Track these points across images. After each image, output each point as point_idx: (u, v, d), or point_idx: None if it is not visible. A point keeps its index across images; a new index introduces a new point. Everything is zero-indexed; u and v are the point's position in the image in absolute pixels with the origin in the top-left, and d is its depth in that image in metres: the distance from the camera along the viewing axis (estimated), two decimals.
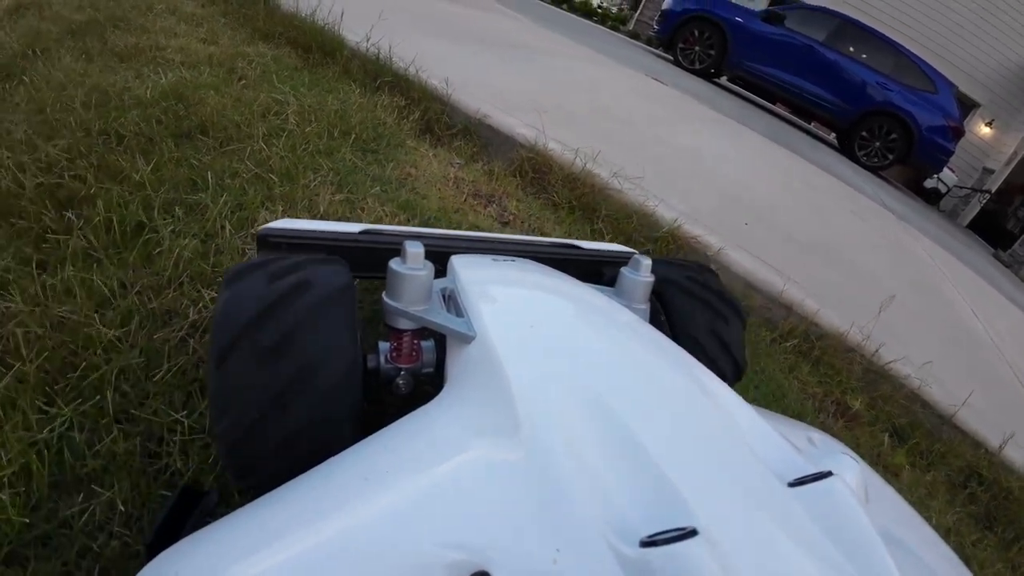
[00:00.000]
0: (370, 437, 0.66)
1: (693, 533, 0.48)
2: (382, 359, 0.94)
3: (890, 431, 2.21)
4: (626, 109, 4.07)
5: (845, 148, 9.66)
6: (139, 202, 1.56)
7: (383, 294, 0.89)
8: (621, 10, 20.46)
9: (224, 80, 2.33)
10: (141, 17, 2.86)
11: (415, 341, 0.95)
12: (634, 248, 1.43)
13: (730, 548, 0.49)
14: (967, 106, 13.95)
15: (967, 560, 1.74)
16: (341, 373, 0.77)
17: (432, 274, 0.88)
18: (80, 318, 1.23)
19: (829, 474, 0.62)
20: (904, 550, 0.68)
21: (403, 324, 0.91)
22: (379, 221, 1.80)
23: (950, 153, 9.48)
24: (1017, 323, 4.68)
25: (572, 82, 4.34)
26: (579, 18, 15.30)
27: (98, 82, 2.08)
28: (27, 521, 0.91)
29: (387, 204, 1.89)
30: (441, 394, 0.74)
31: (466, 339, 0.79)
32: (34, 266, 1.32)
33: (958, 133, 9.43)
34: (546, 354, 0.75)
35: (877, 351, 2.39)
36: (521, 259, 1.10)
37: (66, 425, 1.04)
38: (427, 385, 0.97)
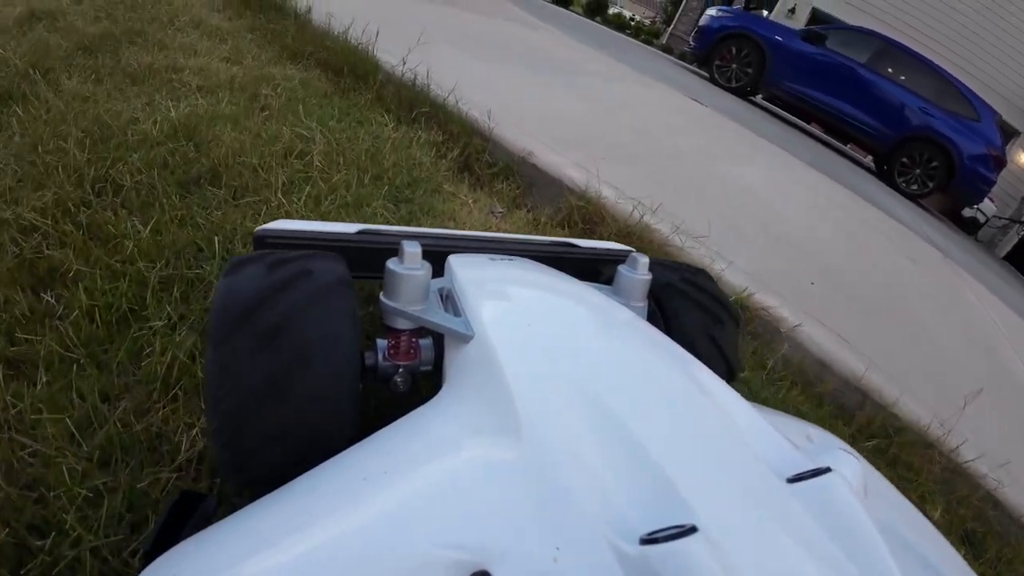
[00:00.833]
0: (369, 437, 0.64)
1: (693, 530, 0.47)
2: (380, 357, 0.91)
3: (963, 537, 1.89)
4: (673, 138, 3.75)
5: (884, 173, 9.24)
6: (131, 279, 1.29)
7: (380, 294, 0.87)
8: (653, 23, 20.06)
9: (244, 110, 2.05)
10: (161, 31, 2.59)
11: (413, 339, 0.92)
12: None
13: (730, 545, 0.48)
14: (1008, 134, 13.40)
15: None
16: (340, 359, 0.76)
17: (429, 274, 0.86)
18: (51, 451, 0.97)
19: (828, 470, 0.61)
20: (903, 546, 0.67)
21: (401, 324, 0.89)
22: None
23: (992, 183, 9.04)
24: None
25: (616, 106, 4.03)
26: (613, 31, 14.95)
27: (102, 112, 1.80)
28: None
29: None
30: (439, 394, 0.73)
31: (464, 338, 0.77)
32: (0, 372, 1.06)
33: (1000, 162, 8.99)
34: (544, 353, 0.74)
35: (958, 448, 2.06)
36: (518, 258, 1.08)
37: None
38: (425, 384, 0.94)
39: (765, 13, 17.89)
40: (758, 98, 10.39)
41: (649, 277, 1.07)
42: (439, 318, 0.83)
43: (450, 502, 0.54)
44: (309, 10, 3.03)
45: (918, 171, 8.80)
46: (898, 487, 1.94)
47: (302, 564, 0.48)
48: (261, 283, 0.77)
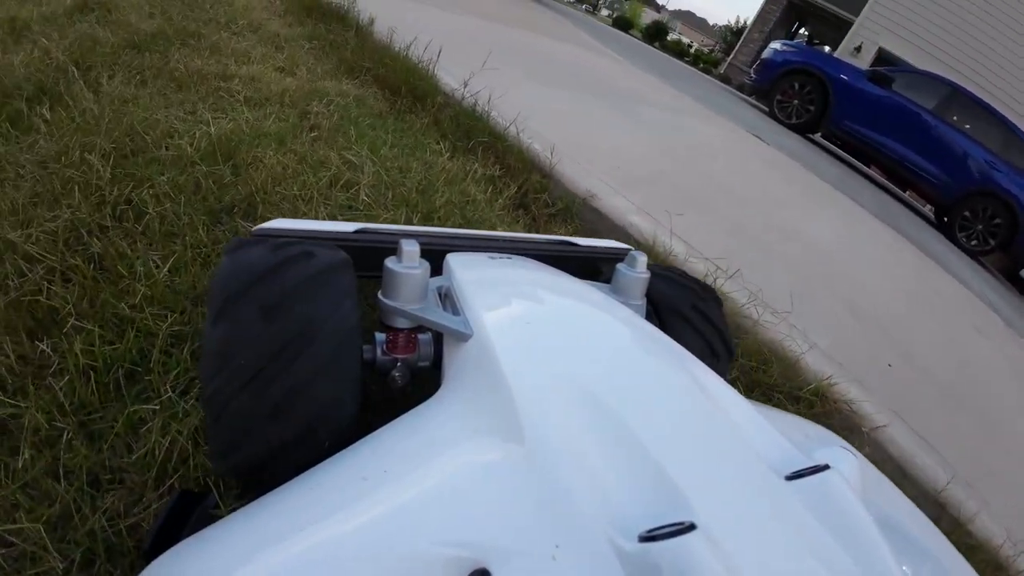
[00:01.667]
0: (368, 436, 0.63)
1: (692, 528, 0.46)
2: (378, 351, 0.88)
3: None
4: (740, 182, 3.49)
5: (944, 226, 8.75)
6: (138, 330, 1.10)
7: (379, 293, 0.85)
8: (712, 52, 19.68)
9: (292, 128, 1.87)
10: (216, 33, 2.44)
11: (412, 334, 0.89)
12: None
13: (729, 542, 0.47)
14: None
15: None
16: (342, 333, 0.74)
17: (428, 272, 0.84)
18: (29, 546, 0.82)
19: (826, 467, 0.60)
20: (901, 541, 0.63)
21: (400, 323, 0.86)
22: None
23: None
24: None
25: (679, 142, 3.78)
26: (671, 58, 14.65)
27: (136, 121, 1.63)
28: None
29: None
30: (439, 392, 0.72)
31: (463, 337, 0.76)
32: None
33: None
34: (543, 351, 0.72)
35: None
36: (517, 257, 1.06)
37: None
38: (423, 381, 0.91)
39: (827, 48, 17.42)
40: (816, 136, 9.99)
41: (647, 275, 1.04)
42: (438, 317, 0.81)
43: (450, 500, 0.53)
44: (372, 22, 2.86)
45: (979, 227, 8.29)
46: None
47: (302, 563, 0.47)
48: (265, 259, 0.76)
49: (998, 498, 1.94)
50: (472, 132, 2.27)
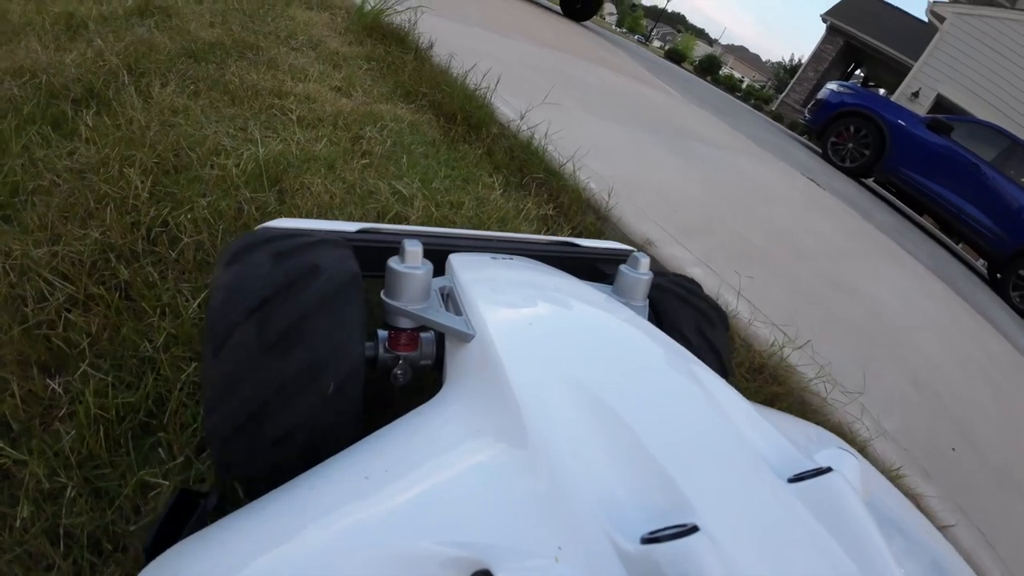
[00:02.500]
0: (370, 436, 0.63)
1: (694, 530, 0.46)
2: (380, 348, 0.85)
3: None
4: (798, 230, 3.30)
5: (996, 282, 8.33)
6: (159, 374, 0.99)
7: (381, 293, 0.83)
8: (764, 88, 19.36)
9: (343, 153, 1.77)
10: (275, 48, 2.37)
11: (414, 333, 0.86)
12: None
13: (731, 544, 0.46)
14: None
15: None
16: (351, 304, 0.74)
17: (431, 273, 0.82)
18: None
19: (828, 470, 0.59)
20: (903, 545, 0.65)
21: (402, 323, 0.84)
22: None
23: None
24: None
25: (735, 185, 3.61)
26: (723, 92, 14.41)
27: (183, 136, 1.55)
28: None
29: None
30: (441, 392, 0.71)
31: (465, 337, 0.75)
32: None
33: None
34: (545, 352, 0.71)
35: None
36: (519, 257, 1.05)
37: None
38: (425, 380, 0.90)
39: (882, 91, 17.00)
40: (869, 181, 9.65)
41: (650, 276, 1.01)
42: (440, 317, 0.80)
43: (452, 501, 0.52)
44: (431, 46, 2.77)
45: None
46: None
47: (303, 562, 0.46)
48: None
49: None
50: (526, 166, 2.15)
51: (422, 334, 0.88)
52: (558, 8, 10.04)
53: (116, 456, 0.92)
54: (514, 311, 0.83)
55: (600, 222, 2.01)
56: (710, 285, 1.87)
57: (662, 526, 0.47)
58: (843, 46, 18.72)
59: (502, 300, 0.85)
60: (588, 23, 10.02)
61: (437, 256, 0.90)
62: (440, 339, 0.88)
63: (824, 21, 18.99)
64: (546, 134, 2.26)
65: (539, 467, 0.55)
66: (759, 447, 0.64)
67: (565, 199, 2.05)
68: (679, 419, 0.65)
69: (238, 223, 1.35)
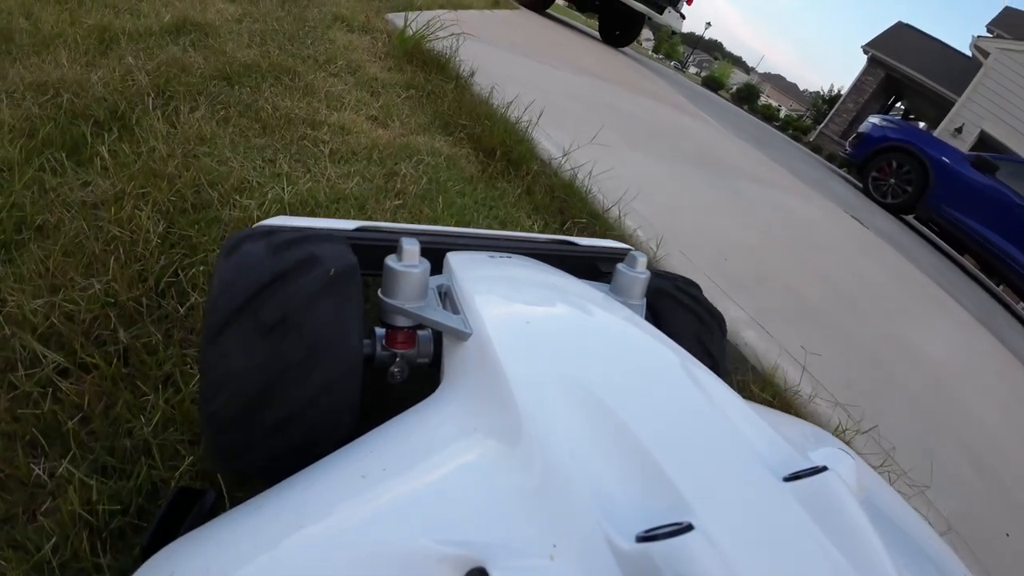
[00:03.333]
0: (367, 434, 0.62)
1: (689, 528, 0.45)
2: (378, 346, 0.84)
3: None
4: (848, 279, 3.08)
5: None
6: (153, 464, 0.85)
7: (379, 291, 0.81)
8: (802, 118, 19.01)
9: (375, 192, 1.63)
10: (313, 72, 2.26)
11: (411, 331, 0.85)
12: None
13: (726, 543, 0.45)
14: None
15: None
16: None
17: (428, 271, 0.80)
18: None
19: (824, 469, 0.57)
20: (899, 544, 0.64)
21: (399, 321, 0.82)
22: None
23: None
24: None
25: (782, 226, 3.41)
26: (760, 122, 14.14)
27: (208, 169, 1.43)
28: None
29: None
30: (438, 391, 0.70)
31: (462, 336, 0.73)
32: None
33: None
34: (542, 350, 0.70)
35: None
36: (517, 256, 1.02)
37: None
38: (423, 379, 0.87)
39: (921, 124, 16.56)
40: (909, 216, 9.31)
41: (647, 275, 1.00)
42: (437, 316, 0.78)
43: (448, 499, 0.51)
44: (473, 74, 2.65)
45: None
46: None
47: (300, 561, 0.45)
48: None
49: None
50: (567, 207, 2.00)
51: (419, 332, 0.87)
52: (596, 33, 9.95)
53: (99, 561, 0.78)
54: (511, 309, 0.83)
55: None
56: (764, 352, 1.70)
57: (658, 524, 0.46)
58: (884, 78, 18.31)
59: (500, 298, 0.85)
60: (626, 49, 9.90)
61: (435, 254, 0.89)
62: (437, 337, 0.87)
63: (865, 52, 18.60)
64: (590, 173, 2.10)
65: (535, 465, 0.54)
66: (755, 445, 0.62)
67: None
68: (675, 417, 0.63)
69: None
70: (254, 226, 0.88)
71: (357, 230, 0.95)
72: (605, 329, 0.83)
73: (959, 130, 13.10)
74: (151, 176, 1.35)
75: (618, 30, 9.32)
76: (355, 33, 2.91)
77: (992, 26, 15.57)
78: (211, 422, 0.67)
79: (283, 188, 1.46)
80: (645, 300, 1.01)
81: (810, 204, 4.63)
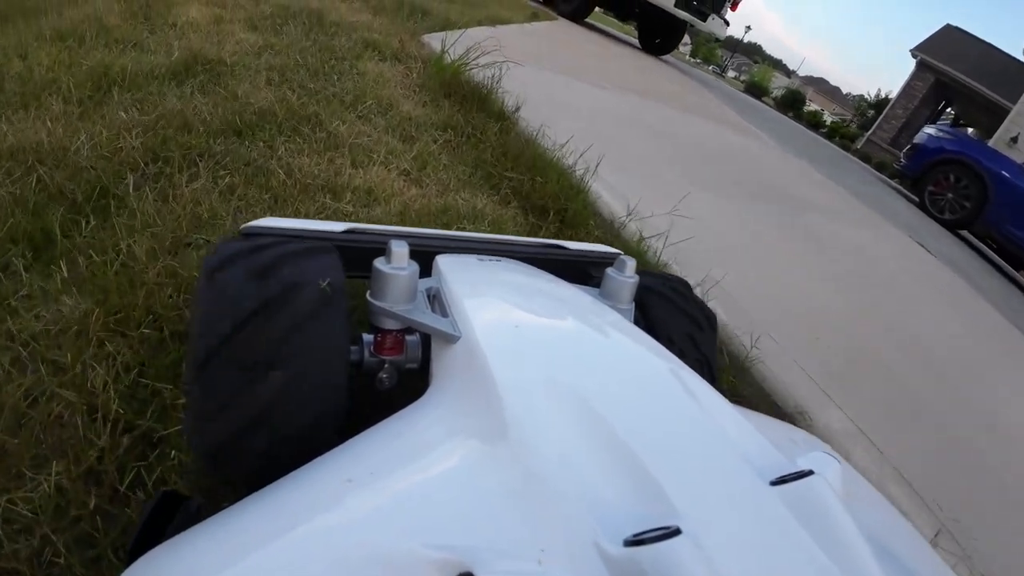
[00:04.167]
0: (354, 438, 0.60)
1: (677, 532, 0.44)
2: (366, 352, 0.82)
3: None
4: (940, 347, 2.68)
5: None
6: None
7: (367, 293, 0.79)
8: (847, 124, 18.24)
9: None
10: (340, 115, 1.94)
11: (400, 335, 0.83)
12: None
13: (713, 547, 0.45)
14: None
15: None
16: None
17: (417, 274, 0.79)
18: None
19: (811, 473, 0.56)
20: (885, 549, 0.61)
21: (388, 324, 0.80)
22: None
23: None
24: None
25: (863, 277, 3.01)
26: (807, 130, 13.54)
27: (195, 265, 1.13)
28: None
29: None
30: (426, 395, 0.68)
31: (451, 339, 0.72)
32: None
33: None
34: (531, 355, 0.69)
35: None
36: (506, 259, 1.01)
37: None
38: (411, 383, 0.83)
39: (970, 130, 15.72)
40: (964, 231, 8.71)
41: (636, 279, 0.97)
42: (426, 318, 0.75)
43: (435, 503, 0.50)
44: (517, 110, 2.31)
45: None
46: None
47: (286, 565, 0.44)
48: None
49: None
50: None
51: (408, 337, 0.85)
52: (635, 41, 9.57)
53: None
54: (500, 313, 0.82)
55: (736, 381, 1.49)
56: (870, 469, 1.34)
57: (645, 528, 0.44)
58: (934, 83, 17.46)
59: (488, 302, 0.83)
60: (665, 56, 9.50)
61: (424, 257, 0.86)
62: (426, 341, 0.84)
63: (914, 56, 17.73)
64: (665, 243, 1.75)
65: (523, 469, 0.52)
66: (742, 449, 0.59)
67: None
68: (663, 421, 0.61)
69: None
70: (242, 228, 0.87)
71: (346, 232, 0.92)
72: (594, 333, 0.81)
73: (1015, 139, 12.27)
74: (127, 290, 1.05)
75: (658, 38, 8.93)
76: (387, 62, 2.59)
77: None
78: (198, 450, 0.68)
79: None
80: (634, 304, 0.99)
81: (879, 235, 4.21)
